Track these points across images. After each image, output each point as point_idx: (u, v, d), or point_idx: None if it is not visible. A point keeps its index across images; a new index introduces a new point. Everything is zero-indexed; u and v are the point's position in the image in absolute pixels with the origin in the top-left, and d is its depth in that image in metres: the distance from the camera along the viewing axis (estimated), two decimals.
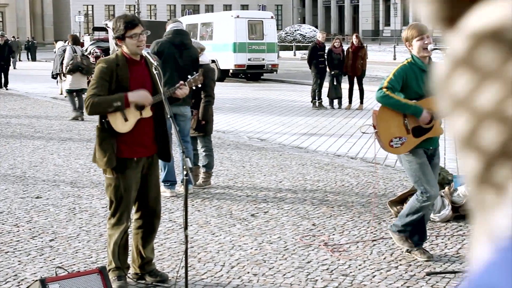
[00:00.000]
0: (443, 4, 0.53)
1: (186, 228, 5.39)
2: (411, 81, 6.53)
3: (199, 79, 6.26)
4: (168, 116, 5.55)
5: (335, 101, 21.32)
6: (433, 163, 6.78)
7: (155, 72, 5.74)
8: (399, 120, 6.54)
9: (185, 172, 5.31)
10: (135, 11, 56.48)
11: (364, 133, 6.86)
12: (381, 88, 6.51)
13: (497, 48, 0.44)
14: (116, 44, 5.94)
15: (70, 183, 10.25)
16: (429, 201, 6.63)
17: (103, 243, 7.33)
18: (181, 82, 6.06)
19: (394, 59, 44.51)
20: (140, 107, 5.84)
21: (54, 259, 6.86)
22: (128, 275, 6.13)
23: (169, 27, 9.44)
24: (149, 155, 5.99)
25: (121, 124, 5.80)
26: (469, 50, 0.46)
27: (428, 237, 7.42)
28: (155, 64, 5.73)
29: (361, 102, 21.05)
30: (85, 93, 5.97)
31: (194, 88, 6.34)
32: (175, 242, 7.42)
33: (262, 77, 33.49)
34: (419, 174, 6.60)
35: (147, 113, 5.91)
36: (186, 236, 5.39)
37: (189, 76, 6.35)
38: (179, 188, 9.62)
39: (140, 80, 5.88)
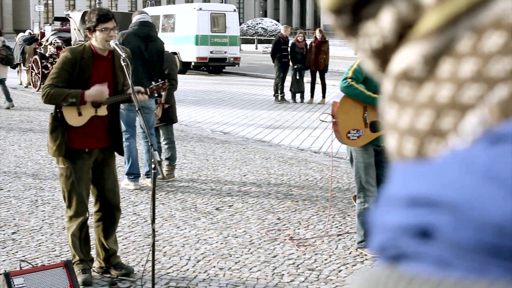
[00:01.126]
0: (377, 59, 0.73)
1: (153, 222, 5.35)
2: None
3: (163, 87, 6.21)
4: (136, 109, 5.49)
5: (298, 95, 21.36)
6: (386, 160, 6.81)
7: (123, 64, 5.66)
8: (359, 112, 6.56)
9: (153, 166, 5.26)
10: (96, 2, 56.02)
11: (322, 121, 6.84)
12: (345, 78, 6.50)
13: (408, 84, 0.63)
14: (86, 36, 5.88)
15: (32, 175, 10.12)
16: (367, 201, 6.67)
17: (67, 236, 7.24)
18: (142, 89, 5.94)
19: (356, 53, 44.61)
20: (96, 105, 5.78)
21: (16, 252, 6.76)
22: (93, 268, 6.07)
23: (135, 19, 9.34)
24: (102, 147, 5.93)
25: (75, 118, 5.74)
26: (393, 88, 0.66)
27: None
28: (123, 55, 5.65)
29: (323, 97, 21.12)
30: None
31: (156, 94, 6.28)
32: (139, 235, 7.36)
33: (224, 70, 33.42)
34: (361, 173, 6.65)
35: (103, 112, 5.85)
36: (153, 230, 5.35)
37: (153, 83, 6.30)
38: (143, 181, 9.56)
39: (102, 76, 5.81)
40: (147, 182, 9.54)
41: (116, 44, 5.76)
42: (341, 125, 6.56)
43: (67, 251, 6.76)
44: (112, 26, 5.76)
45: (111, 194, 6.03)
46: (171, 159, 9.95)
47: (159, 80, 6.30)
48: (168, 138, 10.02)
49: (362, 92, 6.43)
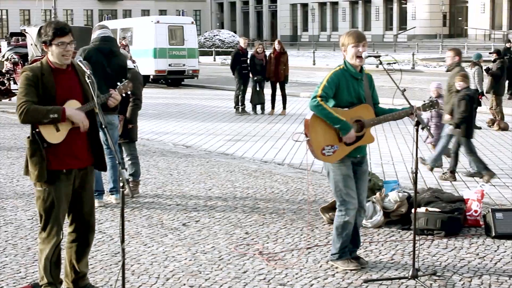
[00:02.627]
0: None
1: (123, 241, 5.23)
2: (343, 88, 6.51)
3: (128, 85, 6.07)
4: (103, 126, 5.37)
5: (258, 107, 21.34)
6: (362, 170, 6.79)
7: (88, 80, 5.55)
8: (331, 128, 6.50)
9: (121, 184, 5.15)
10: (52, 16, 55.52)
11: (296, 141, 6.80)
12: (315, 97, 6.45)
13: None
14: (43, 50, 5.74)
15: None
16: (349, 214, 6.63)
17: (32, 257, 7.09)
18: (112, 90, 5.87)
19: (314, 64, 44.88)
20: None
21: None
22: None
23: (96, 34, 9.20)
24: (81, 167, 5.78)
25: (53, 134, 5.59)
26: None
27: (362, 244, 7.44)
28: (88, 72, 5.54)
29: (284, 108, 21.12)
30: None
31: (123, 95, 6.15)
32: (106, 254, 7.22)
33: (182, 82, 33.26)
34: (341, 186, 6.61)
35: None
36: (123, 250, 5.23)
37: (118, 84, 6.16)
38: (107, 198, 9.42)
39: (67, 89, 5.67)
40: (111, 199, 9.41)
41: (80, 61, 5.65)
42: (315, 142, 6.50)
43: (33, 272, 6.61)
44: (69, 40, 5.61)
45: (88, 216, 5.89)
46: (135, 175, 9.84)
47: (118, 84, 6.16)
48: (131, 154, 9.91)
49: (330, 113, 6.38)
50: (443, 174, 11.41)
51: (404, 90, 6.43)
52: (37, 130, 5.56)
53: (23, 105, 5.48)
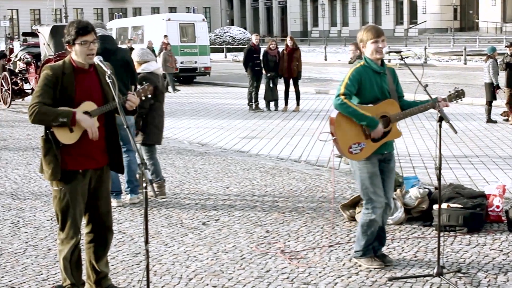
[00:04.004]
0: None
1: (147, 242, 5.19)
2: (366, 84, 6.43)
3: (148, 89, 5.97)
4: (125, 127, 5.32)
5: (272, 103, 21.28)
6: (389, 168, 6.72)
7: (108, 80, 5.49)
8: (357, 125, 6.43)
9: (144, 184, 5.10)
10: (62, 15, 55.56)
11: (322, 141, 6.72)
12: (338, 95, 6.38)
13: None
14: (66, 50, 5.68)
15: (11, 195, 9.89)
16: (375, 213, 6.56)
17: (52, 258, 7.07)
18: (130, 92, 5.81)
19: (325, 59, 44.78)
20: None
21: (2, 277, 6.56)
22: None
23: None
24: (97, 167, 5.74)
25: (66, 135, 5.54)
26: None
27: None
28: (108, 72, 5.49)
29: (298, 104, 21.06)
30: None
31: (143, 98, 6.06)
32: (127, 254, 7.19)
33: (194, 80, 33.24)
34: (367, 184, 6.54)
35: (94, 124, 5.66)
36: (147, 251, 5.18)
37: (138, 86, 6.10)
38: (125, 197, 9.38)
39: (87, 90, 5.61)
40: (127, 199, 9.37)
41: (100, 61, 5.59)
42: (341, 141, 6.43)
43: (55, 274, 6.58)
44: (92, 39, 5.57)
45: (105, 216, 5.86)
46: (157, 177, 9.71)
47: (137, 87, 6.07)
48: (148, 155, 9.78)
49: (355, 110, 6.30)
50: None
51: (427, 85, 6.36)
52: (50, 130, 5.52)
53: (35, 106, 5.44)
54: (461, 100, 6.62)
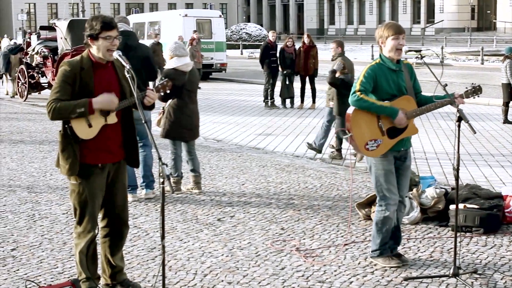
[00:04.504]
0: None
1: (163, 237, 5.18)
2: (381, 81, 6.40)
3: (167, 85, 5.96)
4: (143, 121, 5.31)
5: (287, 101, 21.25)
6: (405, 166, 6.69)
7: (127, 75, 5.49)
8: (373, 122, 6.41)
9: (161, 180, 5.09)
10: (79, 10, 55.72)
11: (344, 137, 6.68)
12: (354, 92, 6.36)
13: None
14: (85, 44, 5.66)
15: (27, 188, 9.93)
16: (389, 210, 6.53)
17: (68, 251, 7.09)
18: (149, 88, 5.81)
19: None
20: (105, 113, 5.59)
21: (18, 270, 6.58)
22: (99, 286, 5.90)
23: None
24: (115, 161, 5.74)
25: (85, 130, 5.54)
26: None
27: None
28: (128, 67, 5.48)
29: (313, 102, 21.02)
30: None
31: (162, 94, 6.06)
32: (142, 249, 7.20)
33: (210, 76, 33.24)
34: (382, 181, 6.51)
35: (113, 119, 5.65)
36: (163, 247, 5.17)
37: (157, 82, 6.10)
38: (141, 192, 9.39)
39: (106, 85, 5.61)
40: (142, 193, 9.37)
41: (119, 55, 5.59)
42: (358, 138, 6.40)
43: (70, 267, 6.60)
44: (116, 34, 5.58)
45: (121, 210, 5.86)
46: (174, 172, 9.70)
47: (163, 78, 6.04)
48: (171, 150, 9.77)
49: (373, 103, 6.29)
50: (331, 152, 12.91)
51: (446, 85, 6.32)
52: (69, 125, 5.52)
53: (52, 103, 5.44)
54: (478, 96, 6.57)
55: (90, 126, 5.55)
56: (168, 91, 6.04)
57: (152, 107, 5.89)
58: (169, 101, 9.50)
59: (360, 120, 6.41)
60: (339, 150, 12.82)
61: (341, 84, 12.34)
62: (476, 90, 6.51)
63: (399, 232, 6.78)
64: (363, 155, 6.73)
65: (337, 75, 12.36)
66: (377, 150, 6.43)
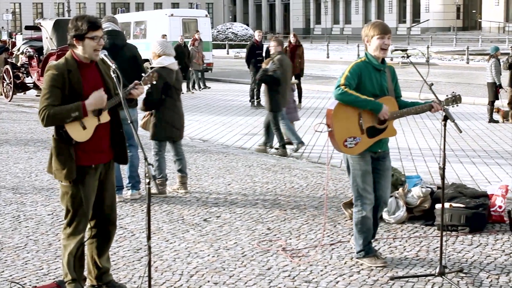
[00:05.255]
0: None
1: (149, 238, 5.15)
2: (365, 80, 6.41)
3: (153, 76, 5.96)
4: (129, 122, 5.29)
5: None
6: (384, 167, 6.69)
7: (113, 75, 5.46)
8: (354, 119, 6.42)
9: (147, 180, 5.07)
10: (65, 9, 55.50)
11: (318, 131, 6.66)
12: (338, 86, 6.36)
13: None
14: (70, 44, 5.62)
15: (12, 189, 9.87)
16: (365, 209, 6.54)
17: (53, 253, 7.05)
18: (136, 81, 5.78)
19: (328, 57, 44.73)
20: (97, 112, 5.56)
21: (2, 271, 6.53)
22: (85, 287, 5.87)
23: None
24: (106, 161, 5.73)
25: (80, 133, 5.51)
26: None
27: (385, 240, 7.39)
28: (113, 66, 5.46)
29: (300, 101, 20.99)
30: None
31: (149, 85, 6.05)
32: (128, 250, 7.17)
33: None
34: (358, 180, 6.53)
35: (105, 118, 5.63)
36: (149, 247, 5.15)
37: (143, 75, 6.07)
38: (127, 193, 9.36)
39: (93, 84, 5.59)
40: (128, 194, 9.34)
41: (105, 55, 5.56)
42: (337, 133, 6.41)
43: (55, 269, 6.57)
44: (101, 34, 5.56)
45: (109, 210, 5.83)
46: (159, 174, 9.68)
47: (142, 75, 6.02)
48: (155, 151, 9.75)
49: (357, 97, 6.29)
50: (276, 149, 13.35)
51: (432, 84, 6.33)
52: (63, 129, 5.49)
53: (44, 110, 5.40)
54: (457, 105, 6.59)
55: (84, 128, 5.52)
56: (154, 82, 6.02)
57: (135, 104, 5.87)
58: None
59: (341, 116, 6.41)
60: (283, 146, 13.25)
61: (270, 81, 12.97)
62: (456, 99, 6.54)
63: (376, 227, 6.83)
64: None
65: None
66: (355, 148, 6.43)
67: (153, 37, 30.93)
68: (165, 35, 28.85)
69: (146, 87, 5.79)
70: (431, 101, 6.42)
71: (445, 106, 6.33)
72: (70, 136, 5.48)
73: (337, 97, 6.33)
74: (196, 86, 26.89)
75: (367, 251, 6.65)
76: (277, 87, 13.05)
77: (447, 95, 6.61)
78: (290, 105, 14.00)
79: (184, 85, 24.00)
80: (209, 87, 27.56)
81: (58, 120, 5.41)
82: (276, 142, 13.50)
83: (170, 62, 9.40)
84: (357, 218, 6.61)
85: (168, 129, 9.53)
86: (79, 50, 5.56)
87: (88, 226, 5.87)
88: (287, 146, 13.33)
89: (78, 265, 5.75)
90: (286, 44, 21.20)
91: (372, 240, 6.90)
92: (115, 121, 5.77)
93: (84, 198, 5.57)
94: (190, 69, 26.13)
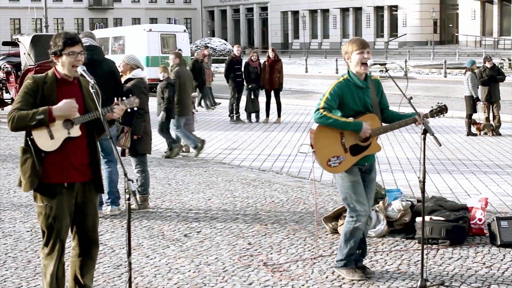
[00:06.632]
0: None
1: (129, 254, 5.12)
2: (347, 98, 6.43)
3: (134, 101, 5.89)
4: (108, 137, 5.25)
5: (253, 115, 21.24)
6: (370, 178, 6.72)
7: (92, 90, 5.43)
8: (337, 139, 6.43)
9: (127, 196, 5.04)
10: (43, 25, 55.33)
11: (302, 153, 6.68)
12: (318, 109, 6.37)
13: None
14: (51, 61, 5.59)
15: None
16: (360, 221, 6.55)
17: (32, 270, 6.99)
18: (116, 101, 5.73)
19: (306, 71, 44.87)
20: (68, 125, 5.47)
21: None
22: None
23: None
24: (84, 181, 5.64)
25: (46, 142, 5.43)
26: None
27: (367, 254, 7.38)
28: (92, 82, 5.42)
29: (279, 116, 21.03)
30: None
31: (129, 110, 5.98)
32: (108, 266, 7.12)
33: None
34: (350, 192, 6.53)
35: (75, 132, 5.54)
36: (130, 263, 5.12)
37: (124, 98, 6.01)
38: (106, 209, 9.30)
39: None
40: (108, 210, 9.29)
41: (84, 70, 5.53)
42: (320, 154, 6.41)
43: (35, 286, 6.52)
44: (79, 50, 5.52)
45: (91, 231, 5.76)
46: (143, 190, 9.65)
47: (123, 99, 5.94)
48: (139, 167, 9.73)
49: (336, 120, 6.30)
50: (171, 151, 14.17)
51: (411, 98, 6.36)
52: (30, 137, 5.44)
53: (12, 112, 5.38)
54: (443, 115, 6.62)
55: (52, 137, 5.45)
56: (135, 108, 5.95)
57: (112, 122, 5.80)
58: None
59: (323, 136, 6.42)
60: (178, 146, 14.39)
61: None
62: (441, 110, 6.56)
63: (364, 244, 6.79)
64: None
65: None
66: (339, 166, 6.44)
67: (132, 53, 30.91)
68: (180, 49, 27.92)
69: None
70: (415, 114, 6.43)
71: (425, 119, 6.35)
72: (37, 145, 5.41)
73: (316, 121, 6.36)
74: (208, 103, 25.73)
75: (347, 262, 6.64)
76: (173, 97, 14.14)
77: (432, 106, 6.63)
78: (189, 117, 14.86)
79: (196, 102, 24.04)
80: (220, 103, 27.07)
81: (23, 122, 5.34)
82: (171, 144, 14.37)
83: (144, 74, 9.56)
84: (348, 228, 6.59)
85: (150, 142, 9.66)
86: (59, 67, 5.53)
87: (72, 244, 5.79)
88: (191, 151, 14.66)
89: (59, 284, 5.67)
90: (265, 59, 21.29)
91: (363, 259, 6.87)
92: (91, 140, 5.67)
93: (55, 218, 5.48)
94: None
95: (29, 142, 5.42)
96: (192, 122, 15.34)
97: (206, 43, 62.53)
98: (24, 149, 5.49)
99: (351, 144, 6.45)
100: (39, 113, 5.33)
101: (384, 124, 6.57)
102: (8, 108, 23.68)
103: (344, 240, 6.64)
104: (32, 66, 20.78)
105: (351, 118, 6.41)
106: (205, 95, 25.32)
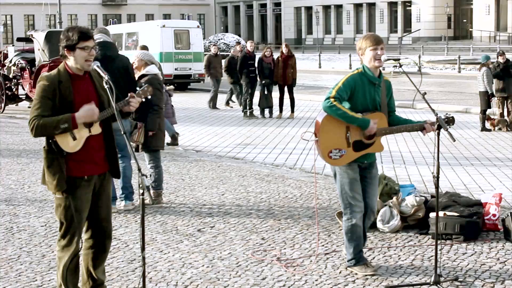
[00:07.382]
0: None
1: (143, 249, 5.14)
2: (358, 93, 6.41)
3: (148, 90, 5.93)
4: (122, 133, 5.27)
5: (266, 110, 21.25)
6: (372, 175, 6.71)
7: (106, 86, 5.45)
8: (342, 132, 6.42)
9: (141, 191, 5.05)
10: (56, 21, 55.49)
11: (304, 139, 6.65)
12: (328, 98, 6.36)
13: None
14: (62, 55, 5.60)
15: (5, 201, 9.83)
16: (355, 217, 6.55)
17: (47, 264, 7.02)
18: (131, 94, 5.76)
19: (320, 67, 44.81)
20: (88, 124, 5.55)
21: None
22: None
23: None
24: (100, 173, 5.70)
25: (70, 143, 5.49)
26: None
27: (380, 249, 7.38)
28: (106, 78, 5.45)
29: (292, 111, 21.04)
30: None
31: (143, 100, 6.03)
32: (122, 261, 7.14)
33: (189, 86, 33.20)
34: (347, 189, 6.53)
35: (96, 130, 5.61)
36: (144, 258, 5.13)
37: (138, 88, 6.04)
38: (120, 204, 9.33)
39: (84, 96, 5.56)
40: (121, 205, 9.31)
41: (97, 66, 5.54)
42: (323, 144, 6.41)
43: (49, 280, 6.54)
44: (92, 45, 5.55)
45: (105, 223, 5.80)
46: (157, 186, 9.67)
47: (137, 89, 5.96)
48: (153, 163, 9.74)
49: (344, 112, 6.29)
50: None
51: (425, 93, 6.33)
52: (53, 139, 5.47)
53: (33, 119, 5.39)
54: (450, 127, 6.53)
55: (74, 139, 5.50)
56: (149, 96, 5.99)
57: (128, 114, 5.85)
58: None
59: (329, 127, 6.41)
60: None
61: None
62: (449, 121, 6.51)
63: (365, 237, 6.82)
64: None
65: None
66: (340, 160, 6.44)
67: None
68: (216, 47, 27.61)
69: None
70: (424, 122, 6.43)
71: (438, 114, 6.33)
72: (60, 147, 5.46)
73: (325, 109, 6.34)
74: (234, 99, 25.06)
75: (358, 259, 6.65)
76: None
77: (440, 116, 6.52)
78: (168, 110, 14.43)
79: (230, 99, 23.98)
80: (234, 102, 26.47)
81: (47, 131, 5.39)
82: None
83: (157, 70, 9.58)
84: (347, 226, 6.62)
85: (163, 138, 9.70)
86: (71, 61, 5.54)
87: (85, 237, 5.84)
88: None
89: (73, 277, 5.71)
90: (278, 54, 21.28)
91: (364, 250, 6.89)
92: (108, 134, 5.74)
93: (75, 210, 5.53)
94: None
95: (53, 145, 5.46)
96: (172, 115, 15.49)
97: (219, 39, 62.58)
98: (48, 150, 5.52)
99: (355, 140, 6.44)
100: (63, 121, 5.36)
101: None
102: (22, 104, 23.84)
103: (347, 239, 6.67)
104: (47, 62, 20.86)
105: (359, 114, 6.40)
106: (240, 93, 24.80)
